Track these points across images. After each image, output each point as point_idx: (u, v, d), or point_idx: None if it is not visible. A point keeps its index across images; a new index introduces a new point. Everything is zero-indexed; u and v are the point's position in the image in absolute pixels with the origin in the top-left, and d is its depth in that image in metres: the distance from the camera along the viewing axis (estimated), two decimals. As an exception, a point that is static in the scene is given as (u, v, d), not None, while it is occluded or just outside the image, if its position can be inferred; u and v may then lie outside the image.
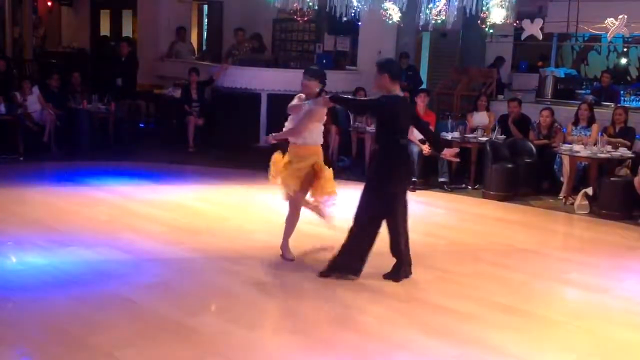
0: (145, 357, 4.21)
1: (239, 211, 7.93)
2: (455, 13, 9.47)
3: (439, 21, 9.94)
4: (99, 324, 4.63)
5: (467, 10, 9.38)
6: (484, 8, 9.49)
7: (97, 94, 11.41)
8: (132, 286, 5.35)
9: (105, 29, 15.79)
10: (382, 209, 5.60)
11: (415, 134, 9.61)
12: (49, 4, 16.57)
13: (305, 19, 10.66)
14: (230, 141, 11.63)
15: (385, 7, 9.60)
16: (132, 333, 4.51)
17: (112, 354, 4.20)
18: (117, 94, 11.84)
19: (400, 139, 5.58)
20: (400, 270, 5.74)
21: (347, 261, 5.67)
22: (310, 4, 9.51)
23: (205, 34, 16.07)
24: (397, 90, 5.58)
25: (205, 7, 15.65)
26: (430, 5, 9.62)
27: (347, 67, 13.30)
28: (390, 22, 9.81)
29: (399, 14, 9.65)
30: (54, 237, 6.50)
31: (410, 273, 5.80)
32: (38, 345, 4.34)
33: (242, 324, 4.69)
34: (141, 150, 11.27)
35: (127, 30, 15.32)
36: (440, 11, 9.70)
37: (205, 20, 15.92)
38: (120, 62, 12.62)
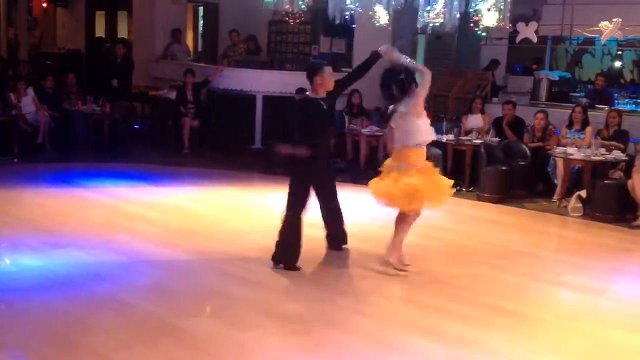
0: (140, 359, 4.21)
1: (234, 213, 7.94)
2: (458, 16, 9.48)
3: (437, 24, 9.95)
4: (93, 325, 4.63)
5: (460, 14, 9.39)
6: (476, 11, 9.51)
7: (92, 96, 11.40)
8: (127, 288, 5.36)
9: (100, 31, 15.77)
10: None
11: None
12: (44, 5, 16.55)
13: (297, 21, 10.66)
14: (226, 143, 11.63)
15: (374, 10, 9.62)
16: (126, 335, 4.51)
17: (106, 355, 4.20)
18: (113, 95, 11.83)
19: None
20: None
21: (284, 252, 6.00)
22: (302, 6, 9.51)
23: (200, 35, 16.06)
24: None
25: (201, 8, 15.64)
26: (428, 8, 9.64)
27: (343, 69, 13.30)
28: (377, 24, 9.82)
29: (387, 17, 9.66)
30: (48, 238, 6.50)
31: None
32: (31, 347, 4.34)
33: (237, 326, 4.69)
34: (136, 151, 11.26)
35: (122, 32, 15.31)
36: (438, 14, 9.71)
37: (201, 21, 15.92)
38: (116, 64, 12.62)
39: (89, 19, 15.79)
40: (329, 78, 6.18)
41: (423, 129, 5.92)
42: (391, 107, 6.03)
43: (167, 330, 4.59)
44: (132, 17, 14.75)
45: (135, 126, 12.74)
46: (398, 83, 5.98)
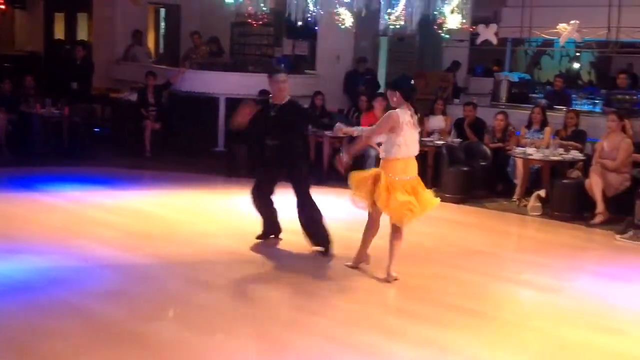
0: (99, 365, 4.17)
1: (197, 216, 7.89)
2: (417, 18, 9.56)
3: (398, 26, 10.03)
4: (52, 332, 4.56)
5: (422, 16, 9.48)
6: (440, 13, 9.61)
7: (50, 98, 11.22)
8: (87, 293, 5.28)
9: (60, 32, 15.52)
10: None
11: (374, 139, 9.71)
12: (2, 6, 16.25)
13: (260, 22, 10.65)
14: (188, 145, 11.55)
15: (338, 12, 9.66)
16: (86, 341, 4.45)
17: (64, 362, 4.15)
18: (72, 98, 11.67)
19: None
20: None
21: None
22: (264, 8, 9.50)
23: (162, 37, 15.92)
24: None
25: (162, 10, 15.51)
26: (389, 10, 9.71)
27: (305, 71, 13.31)
28: (343, 27, 9.87)
29: (352, 19, 9.72)
30: (6, 244, 6.38)
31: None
32: (-12, 354, 4.27)
33: (199, 330, 4.66)
34: (96, 155, 11.11)
35: (82, 34, 15.09)
36: (398, 16, 9.79)
37: (162, 23, 15.78)
38: (75, 66, 12.45)
39: (47, 20, 15.53)
40: (275, 85, 6.38)
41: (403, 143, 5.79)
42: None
43: (128, 336, 4.54)
44: (92, 18, 14.55)
45: (96, 129, 12.57)
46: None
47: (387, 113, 5.82)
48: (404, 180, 5.72)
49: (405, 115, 5.70)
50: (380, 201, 5.69)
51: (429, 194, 5.90)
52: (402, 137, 5.70)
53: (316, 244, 6.48)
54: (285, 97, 6.42)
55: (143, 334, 4.57)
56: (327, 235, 6.46)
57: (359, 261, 6.13)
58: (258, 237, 6.74)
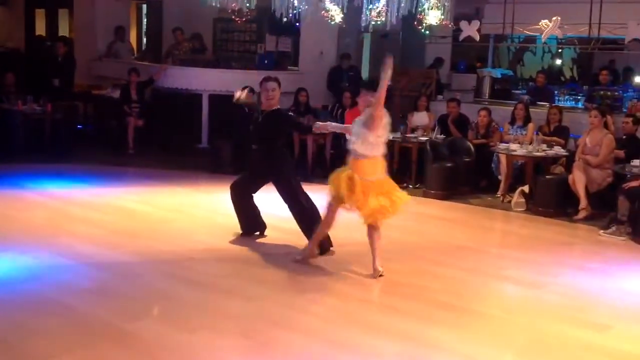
0: (83, 364, 4.13)
1: (180, 213, 7.85)
2: (397, 15, 9.56)
3: (379, 22, 10.03)
4: (35, 330, 4.52)
5: (403, 13, 9.49)
6: (420, 10, 9.62)
7: (32, 95, 11.11)
8: (70, 291, 5.24)
9: (41, 29, 15.39)
10: None
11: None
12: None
13: (244, 19, 10.61)
14: (172, 142, 11.50)
15: (327, 8, 9.64)
16: (69, 339, 4.41)
17: (48, 361, 4.11)
18: (54, 95, 11.56)
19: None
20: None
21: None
22: (248, 4, 9.47)
23: (144, 33, 15.83)
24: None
25: (144, 6, 15.41)
26: (370, 7, 9.70)
27: (288, 67, 13.29)
28: (332, 23, 9.85)
29: (342, 15, 9.71)
30: (-12, 242, 6.32)
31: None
32: (-30, 354, 4.22)
33: (184, 328, 4.64)
34: (79, 152, 11.02)
35: (63, 30, 14.96)
36: (379, 12, 9.79)
37: (145, 19, 15.69)
38: (57, 62, 12.34)
39: (28, 16, 15.39)
40: (264, 92, 6.47)
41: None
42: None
43: (111, 334, 4.51)
44: (73, 14, 14.43)
45: (78, 126, 12.46)
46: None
47: (379, 113, 5.84)
48: (373, 182, 5.75)
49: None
50: (356, 204, 5.74)
51: (399, 192, 5.96)
52: (376, 137, 5.77)
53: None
54: (273, 105, 6.48)
55: (127, 332, 4.54)
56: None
57: (311, 255, 6.17)
58: (242, 235, 6.74)
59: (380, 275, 5.84)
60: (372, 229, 5.93)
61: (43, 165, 10.01)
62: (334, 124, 7.04)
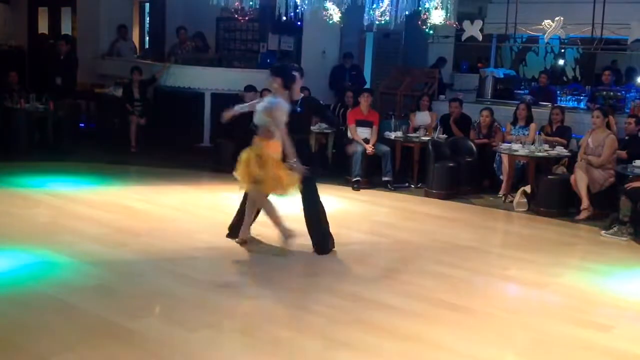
0: (86, 362, 4.14)
1: (183, 212, 7.85)
2: (402, 15, 9.56)
3: (383, 22, 10.03)
4: (36, 328, 4.53)
5: (407, 12, 9.48)
6: (424, 9, 9.61)
7: (35, 93, 11.13)
8: (72, 289, 5.25)
9: (43, 27, 15.39)
10: None
11: (359, 133, 9.74)
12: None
13: (247, 18, 10.61)
14: (174, 141, 11.51)
15: (326, 7, 9.64)
16: (71, 337, 4.42)
17: (49, 358, 4.11)
18: (57, 93, 11.58)
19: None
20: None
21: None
22: (252, 3, 9.46)
23: (147, 32, 15.82)
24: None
25: (147, 5, 15.41)
26: (374, 6, 9.70)
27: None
28: (330, 22, 9.85)
29: (339, 15, 9.70)
30: (-10, 240, 6.34)
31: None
32: (-27, 351, 4.23)
33: (186, 326, 4.65)
34: (82, 150, 11.04)
35: (66, 28, 14.95)
36: (383, 12, 9.78)
37: (147, 18, 15.69)
38: (59, 61, 12.35)
39: (31, 15, 15.39)
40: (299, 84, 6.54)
41: None
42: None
43: (113, 332, 4.52)
44: (76, 13, 14.44)
45: (81, 124, 12.49)
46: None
47: (277, 103, 6.06)
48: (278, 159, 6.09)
49: (284, 103, 6.07)
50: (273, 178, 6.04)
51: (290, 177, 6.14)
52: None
53: (312, 242, 6.45)
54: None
55: (130, 330, 4.54)
56: (325, 236, 6.44)
57: (245, 236, 6.48)
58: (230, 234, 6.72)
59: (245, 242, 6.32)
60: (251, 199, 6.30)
61: (46, 163, 10.03)
62: (240, 105, 6.90)
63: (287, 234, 6.30)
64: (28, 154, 10.45)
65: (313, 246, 6.43)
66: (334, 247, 6.45)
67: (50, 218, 7.21)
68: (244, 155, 6.18)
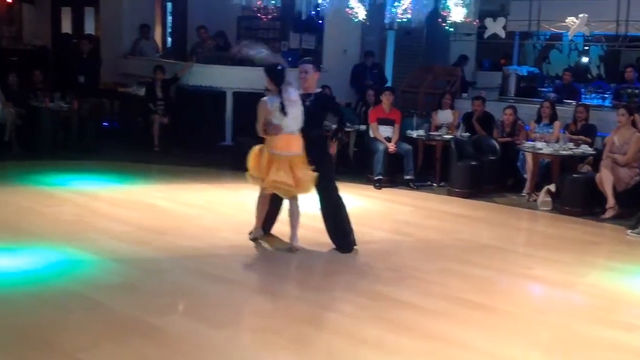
0: (111, 359, 4.17)
1: (205, 210, 7.89)
2: (424, 12, 9.54)
3: (404, 20, 10.00)
4: (63, 325, 4.57)
5: (429, 9, 9.45)
6: (445, 6, 9.58)
7: (59, 92, 11.23)
8: (97, 286, 5.30)
9: (67, 27, 15.54)
10: None
11: (381, 132, 9.71)
12: (9, 1, 16.25)
13: (269, 16, 10.63)
14: (196, 140, 11.55)
15: (350, 6, 9.63)
16: (97, 334, 4.46)
17: (75, 355, 4.14)
18: (80, 92, 11.69)
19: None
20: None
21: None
22: (273, 1, 9.48)
23: (169, 31, 15.91)
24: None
25: (169, 4, 15.48)
26: (396, 4, 9.68)
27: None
28: (355, 20, 9.83)
29: (365, 12, 9.69)
30: (17, 237, 6.40)
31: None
32: (0, 347, 4.27)
33: (211, 324, 4.66)
34: (105, 149, 11.13)
35: (89, 28, 15.09)
36: (405, 10, 9.76)
37: (169, 17, 15.76)
38: (82, 59, 12.46)
39: (55, 14, 15.54)
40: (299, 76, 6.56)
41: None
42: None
43: (138, 329, 4.55)
44: (99, 12, 14.56)
45: (104, 123, 12.59)
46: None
47: (260, 101, 6.25)
48: (283, 156, 6.10)
49: (274, 101, 6.10)
50: (261, 173, 6.17)
51: (307, 177, 6.17)
52: (276, 119, 6.08)
53: (333, 241, 6.45)
54: (308, 88, 6.45)
55: (154, 327, 4.57)
56: (346, 234, 6.43)
57: (258, 234, 6.60)
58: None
59: (297, 250, 6.22)
60: (292, 204, 6.29)
61: (70, 161, 10.12)
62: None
63: (255, 234, 6.56)
64: (53, 152, 10.55)
65: (335, 245, 6.42)
66: (355, 245, 6.44)
67: (75, 216, 7.27)
68: (251, 151, 6.33)
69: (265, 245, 6.54)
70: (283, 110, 6.08)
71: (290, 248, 6.32)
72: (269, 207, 6.61)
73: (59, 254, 5.97)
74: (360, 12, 9.70)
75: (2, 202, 7.79)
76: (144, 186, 8.91)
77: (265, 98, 6.26)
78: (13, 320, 4.63)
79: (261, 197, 6.46)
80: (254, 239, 6.58)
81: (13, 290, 5.13)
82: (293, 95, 6.18)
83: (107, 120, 12.76)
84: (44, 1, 15.64)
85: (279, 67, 6.24)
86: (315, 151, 6.29)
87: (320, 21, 11.80)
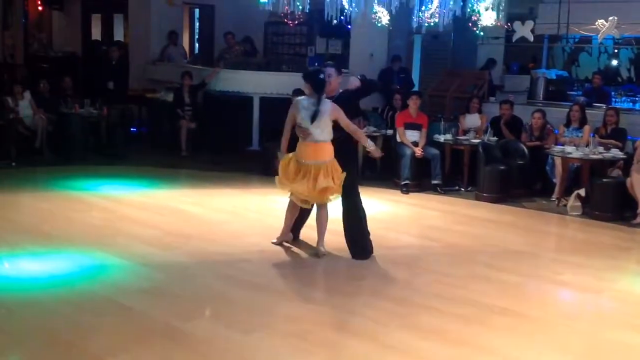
0: (140, 363, 4.21)
1: (233, 215, 7.92)
2: (450, 16, 9.49)
3: (432, 24, 9.96)
4: (92, 329, 4.62)
5: (457, 13, 9.40)
6: (474, 11, 9.52)
7: (89, 99, 11.37)
8: (126, 291, 5.34)
9: (96, 33, 15.74)
10: None
11: (408, 136, 9.68)
12: (40, 8, 16.51)
13: (296, 22, 10.66)
14: (223, 145, 11.62)
15: (374, 10, 9.61)
16: (126, 338, 4.50)
17: (104, 358, 4.19)
18: (109, 97, 11.83)
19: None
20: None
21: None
22: (301, 7, 9.50)
23: (196, 38, 16.05)
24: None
25: (197, 10, 15.62)
26: (423, 8, 9.64)
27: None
28: (379, 24, 9.82)
29: (388, 17, 9.66)
30: (47, 242, 6.49)
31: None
32: (31, 350, 4.34)
33: (238, 328, 4.68)
34: (134, 154, 11.24)
35: (118, 35, 15.27)
36: (432, 14, 9.71)
37: (197, 24, 15.90)
38: (111, 66, 12.61)
39: (85, 22, 15.76)
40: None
41: None
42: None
43: (166, 333, 4.58)
44: (128, 19, 14.73)
45: (132, 129, 12.71)
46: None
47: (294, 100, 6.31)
48: (309, 165, 6.11)
49: (308, 104, 6.10)
50: (288, 180, 6.22)
51: (331, 185, 6.11)
52: (304, 124, 6.09)
53: (351, 250, 6.42)
54: (331, 92, 6.39)
55: (183, 331, 4.60)
56: (364, 244, 6.40)
57: (283, 239, 6.63)
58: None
59: (323, 255, 6.26)
60: (320, 209, 6.32)
61: (99, 167, 10.24)
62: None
63: (280, 239, 6.62)
64: (83, 158, 10.68)
65: (350, 251, 6.39)
66: (372, 253, 6.41)
67: (104, 221, 7.35)
68: (284, 158, 6.33)
69: (293, 250, 6.55)
70: (314, 118, 6.05)
71: (317, 253, 6.33)
72: (299, 212, 6.64)
73: (89, 259, 6.04)
74: (384, 17, 9.66)
75: (32, 207, 7.91)
76: (172, 191, 8.97)
77: (300, 98, 6.28)
78: (43, 323, 4.69)
79: (291, 203, 6.48)
80: (279, 244, 6.61)
81: (43, 295, 5.19)
82: (327, 106, 6.12)
83: (135, 126, 12.89)
84: (74, 8, 15.86)
85: (321, 76, 6.20)
86: (338, 154, 6.26)
87: (349, 26, 11.80)
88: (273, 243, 6.61)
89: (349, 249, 6.40)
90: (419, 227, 7.90)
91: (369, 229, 6.43)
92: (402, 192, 9.39)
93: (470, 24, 9.85)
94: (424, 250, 6.92)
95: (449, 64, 13.99)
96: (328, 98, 6.28)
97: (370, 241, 6.44)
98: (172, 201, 8.35)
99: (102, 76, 12.54)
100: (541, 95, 11.82)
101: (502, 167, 9.23)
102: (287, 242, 6.65)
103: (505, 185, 9.20)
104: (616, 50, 16.18)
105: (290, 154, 6.30)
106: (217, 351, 4.38)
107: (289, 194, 6.41)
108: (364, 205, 6.47)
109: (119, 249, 6.33)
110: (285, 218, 6.57)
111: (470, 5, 9.49)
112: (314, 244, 6.44)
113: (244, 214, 8.00)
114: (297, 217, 6.62)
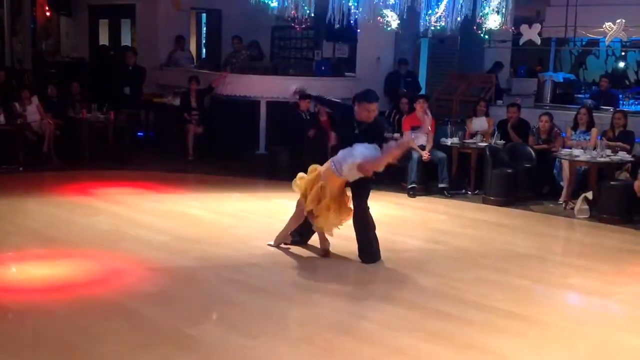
0: (147, 367, 4.21)
1: (240, 219, 7.93)
2: (458, 19, 9.47)
3: (438, 27, 9.95)
4: (99, 333, 4.62)
5: (463, 16, 9.38)
6: (480, 14, 9.50)
7: (96, 103, 11.42)
8: (133, 295, 5.35)
9: (104, 39, 15.80)
10: None
11: (416, 140, 9.67)
12: (48, 14, 16.58)
13: (303, 26, 10.67)
14: (230, 149, 11.63)
15: (383, 14, 9.60)
16: (132, 342, 4.50)
17: (113, 363, 4.20)
18: (125, 103, 11.88)
19: None
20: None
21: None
22: (308, 11, 9.50)
23: (203, 42, 16.08)
24: None
25: (204, 15, 15.66)
26: (430, 12, 9.63)
27: (346, 73, 13.31)
28: (388, 29, 9.81)
29: (398, 21, 9.65)
30: (54, 246, 6.51)
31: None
32: (37, 354, 4.34)
33: (244, 333, 4.68)
34: (141, 159, 11.27)
35: (126, 40, 15.33)
36: (439, 17, 9.70)
37: (204, 28, 15.94)
38: (127, 71, 12.64)
39: (92, 27, 15.82)
40: (364, 112, 6.39)
41: None
42: None
43: (173, 338, 4.58)
44: (135, 24, 14.78)
45: (139, 134, 12.75)
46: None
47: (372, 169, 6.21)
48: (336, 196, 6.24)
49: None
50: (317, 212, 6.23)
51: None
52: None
53: (360, 252, 6.43)
54: (370, 118, 6.38)
55: (190, 336, 4.60)
56: (371, 249, 6.39)
57: (280, 242, 6.66)
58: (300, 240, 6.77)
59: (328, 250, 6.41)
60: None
61: (106, 171, 10.27)
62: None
63: (277, 242, 6.65)
64: (90, 162, 10.71)
65: (359, 255, 6.38)
66: (380, 258, 6.40)
67: (111, 225, 7.36)
68: (312, 169, 6.34)
69: (300, 254, 6.55)
70: (339, 170, 6.10)
71: (323, 251, 6.42)
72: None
73: (96, 263, 6.06)
74: (393, 22, 9.65)
75: (40, 211, 7.93)
76: (178, 195, 8.99)
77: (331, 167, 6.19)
78: (50, 328, 4.70)
79: (300, 211, 6.43)
80: (276, 246, 6.62)
81: (51, 300, 5.20)
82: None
83: (142, 130, 12.92)
84: (82, 14, 15.93)
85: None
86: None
87: (358, 30, 11.81)
88: (269, 245, 6.65)
89: (358, 252, 6.39)
90: (426, 231, 7.89)
91: (375, 232, 6.42)
92: (409, 195, 9.38)
93: (474, 27, 9.83)
94: (431, 253, 6.90)
95: (456, 67, 13.97)
96: (360, 122, 6.32)
97: (378, 245, 6.43)
98: (179, 205, 8.36)
99: (117, 82, 12.53)
100: (548, 98, 11.81)
101: (509, 171, 9.20)
102: (286, 244, 6.66)
103: (513, 188, 9.18)
104: (624, 53, 16.14)
105: (319, 171, 6.26)
106: (222, 355, 4.38)
107: (299, 199, 6.39)
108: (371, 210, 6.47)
109: (126, 254, 6.34)
110: (289, 223, 6.57)
111: (481, 7, 9.46)
112: (318, 246, 6.46)
113: (251, 218, 8.00)
114: (305, 221, 6.61)
